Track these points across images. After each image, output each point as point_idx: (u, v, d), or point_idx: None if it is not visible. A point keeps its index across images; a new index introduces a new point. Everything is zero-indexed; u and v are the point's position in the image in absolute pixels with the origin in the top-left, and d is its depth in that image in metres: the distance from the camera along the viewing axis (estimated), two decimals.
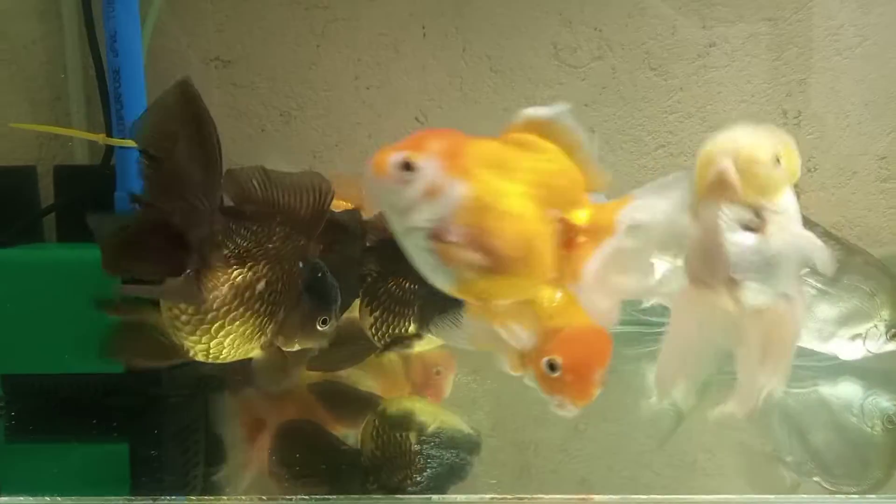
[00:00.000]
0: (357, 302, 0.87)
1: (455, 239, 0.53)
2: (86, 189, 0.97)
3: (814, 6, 1.19)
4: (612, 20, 1.20)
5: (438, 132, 0.56)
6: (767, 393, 0.58)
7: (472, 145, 0.55)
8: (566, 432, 0.82)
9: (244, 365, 0.73)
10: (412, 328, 0.87)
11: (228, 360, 0.71)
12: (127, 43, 0.87)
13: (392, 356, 0.95)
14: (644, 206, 0.55)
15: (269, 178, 0.70)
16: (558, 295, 0.61)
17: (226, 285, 0.67)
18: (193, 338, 0.69)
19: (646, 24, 1.19)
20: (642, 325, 1.12)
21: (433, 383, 0.96)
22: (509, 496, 0.65)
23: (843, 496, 0.70)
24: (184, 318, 0.68)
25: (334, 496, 0.66)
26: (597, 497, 0.68)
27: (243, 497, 0.69)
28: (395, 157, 0.53)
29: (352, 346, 0.88)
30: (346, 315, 0.83)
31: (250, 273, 0.68)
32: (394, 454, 0.80)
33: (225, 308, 0.67)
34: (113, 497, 0.68)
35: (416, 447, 0.78)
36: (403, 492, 0.68)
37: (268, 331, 0.70)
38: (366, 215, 0.80)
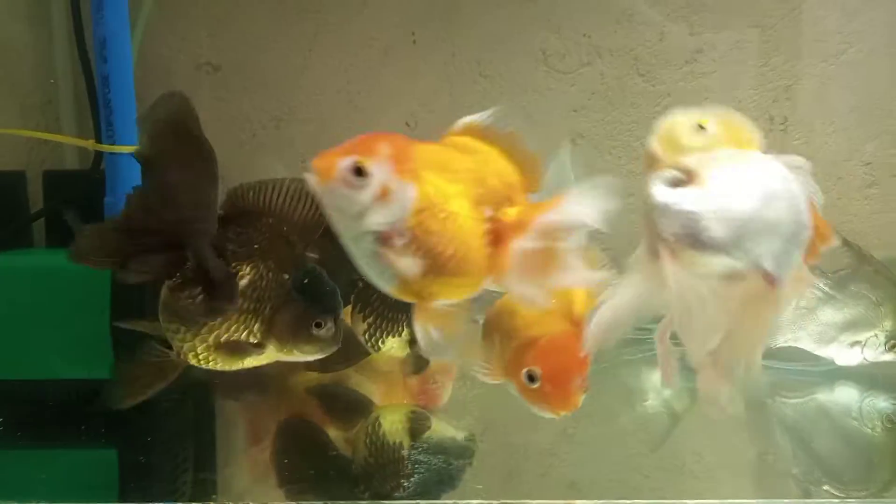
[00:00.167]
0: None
1: (401, 242, 0.53)
2: (75, 194, 0.97)
3: (800, 14, 1.20)
4: (600, 26, 1.20)
5: (383, 135, 0.56)
6: (737, 370, 0.55)
7: (416, 148, 0.56)
8: (555, 436, 0.83)
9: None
10: (405, 334, 0.87)
11: (222, 365, 0.71)
12: (116, 50, 0.87)
13: (391, 361, 0.95)
14: (565, 208, 0.56)
15: (263, 188, 0.70)
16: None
17: None
18: (184, 339, 0.70)
19: (634, 31, 1.20)
20: (637, 329, 1.13)
21: (431, 389, 0.96)
22: (495, 502, 0.65)
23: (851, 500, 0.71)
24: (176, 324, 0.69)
25: (322, 502, 0.66)
26: (578, 502, 0.68)
27: None
28: (344, 161, 0.53)
29: (346, 349, 0.88)
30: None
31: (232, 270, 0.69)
32: (386, 461, 0.80)
33: None
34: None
35: (408, 455, 0.78)
36: (393, 499, 0.68)
37: (255, 329, 0.70)
38: None
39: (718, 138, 0.55)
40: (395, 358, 0.94)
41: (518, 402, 0.68)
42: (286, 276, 0.70)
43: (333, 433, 0.90)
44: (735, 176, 0.52)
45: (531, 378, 0.58)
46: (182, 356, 0.71)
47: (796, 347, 1.01)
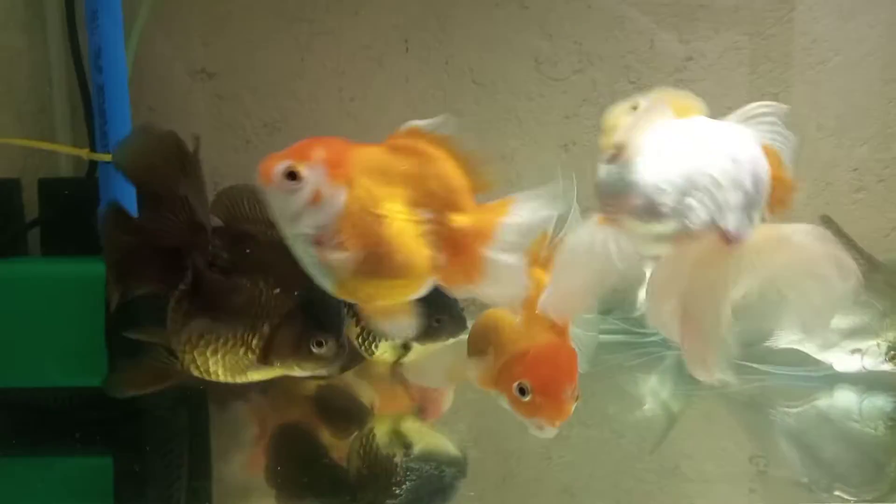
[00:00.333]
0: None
1: (333, 244, 0.55)
2: (71, 202, 0.97)
3: (788, 21, 1.22)
4: (591, 34, 1.22)
5: (323, 140, 0.57)
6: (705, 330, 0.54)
7: (354, 153, 0.56)
8: (550, 440, 0.83)
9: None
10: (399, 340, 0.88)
11: (224, 377, 0.72)
12: (111, 60, 0.87)
13: (387, 366, 0.96)
14: (521, 211, 0.57)
15: (259, 197, 0.70)
16: (517, 319, 0.62)
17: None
18: (185, 350, 0.70)
19: (625, 38, 1.21)
20: (632, 334, 1.14)
21: (432, 398, 0.97)
22: None
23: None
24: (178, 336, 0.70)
25: None
26: None
27: None
28: (280, 165, 0.54)
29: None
30: None
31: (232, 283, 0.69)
32: (379, 472, 0.80)
33: None
34: None
35: (402, 467, 0.78)
36: None
37: (253, 345, 0.70)
38: None
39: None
40: (387, 363, 0.94)
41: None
42: (286, 292, 0.69)
43: (329, 440, 0.90)
44: (668, 141, 0.51)
45: (522, 391, 0.58)
46: (185, 367, 0.72)
47: (797, 350, 1.02)
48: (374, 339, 0.90)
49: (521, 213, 0.57)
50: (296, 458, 0.84)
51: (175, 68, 1.20)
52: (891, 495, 0.74)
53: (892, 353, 0.99)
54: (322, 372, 0.72)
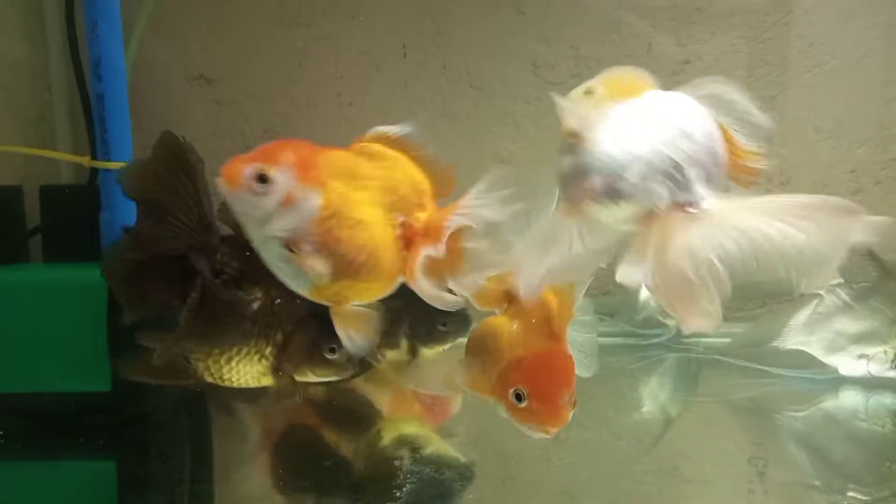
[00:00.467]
0: None
1: (309, 248, 0.55)
2: (72, 209, 0.98)
3: (785, 24, 1.22)
4: (588, 38, 1.22)
5: (289, 143, 0.57)
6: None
7: (322, 155, 0.57)
8: (549, 442, 0.83)
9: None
10: (403, 346, 0.88)
11: (238, 383, 0.72)
12: (111, 69, 0.88)
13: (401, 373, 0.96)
14: (468, 210, 0.58)
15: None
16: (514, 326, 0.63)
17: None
18: (198, 357, 0.71)
19: (622, 42, 1.22)
20: (635, 336, 1.14)
21: (439, 403, 0.97)
22: None
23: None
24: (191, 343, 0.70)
25: None
26: None
27: None
28: (249, 168, 0.54)
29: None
30: None
31: (242, 294, 0.69)
32: (383, 476, 0.80)
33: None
34: None
35: (406, 472, 0.78)
36: None
37: (267, 353, 0.70)
38: None
39: (606, 96, 0.56)
40: (395, 368, 0.94)
41: None
42: (299, 301, 0.68)
43: (335, 443, 0.91)
44: (623, 123, 0.52)
45: (519, 398, 0.58)
46: (198, 374, 0.72)
47: (804, 352, 1.02)
48: (380, 348, 0.90)
49: (475, 209, 0.57)
50: (299, 460, 0.84)
51: (173, 74, 1.20)
52: None
53: None
54: (335, 378, 0.72)
